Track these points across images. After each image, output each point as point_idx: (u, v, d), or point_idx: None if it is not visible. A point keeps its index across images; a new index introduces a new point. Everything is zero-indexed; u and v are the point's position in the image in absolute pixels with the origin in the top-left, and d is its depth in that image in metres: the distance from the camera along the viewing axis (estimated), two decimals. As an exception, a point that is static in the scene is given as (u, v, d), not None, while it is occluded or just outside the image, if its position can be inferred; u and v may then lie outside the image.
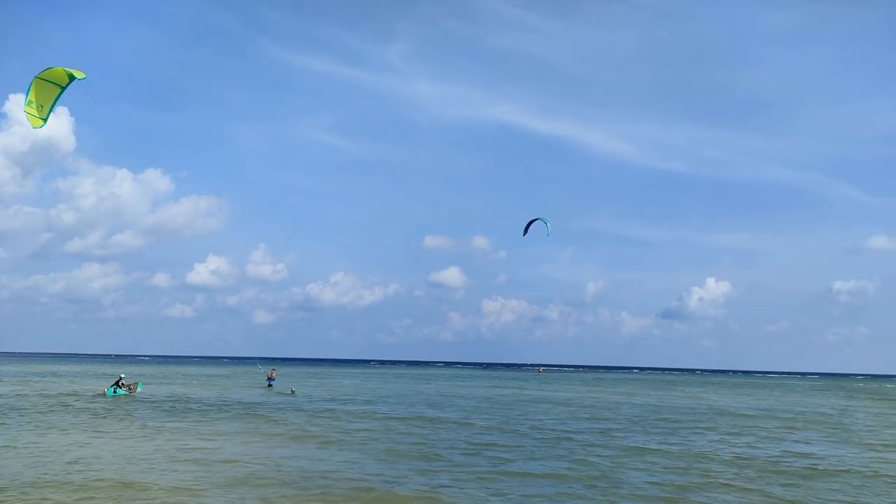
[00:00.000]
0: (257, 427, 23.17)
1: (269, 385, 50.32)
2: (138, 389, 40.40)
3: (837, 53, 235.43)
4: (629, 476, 15.49)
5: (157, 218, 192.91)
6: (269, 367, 57.16)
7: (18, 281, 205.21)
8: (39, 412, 26.40)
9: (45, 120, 15.83)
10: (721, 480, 15.21)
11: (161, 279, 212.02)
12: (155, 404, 31.53)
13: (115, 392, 37.52)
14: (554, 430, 24.78)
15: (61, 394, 37.14)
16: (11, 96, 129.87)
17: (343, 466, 15.84)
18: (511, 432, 23.58)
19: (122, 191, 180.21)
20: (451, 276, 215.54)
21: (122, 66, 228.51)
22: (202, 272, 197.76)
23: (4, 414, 25.28)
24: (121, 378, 40.12)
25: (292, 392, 43.51)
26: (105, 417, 25.17)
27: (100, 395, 37.52)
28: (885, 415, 38.65)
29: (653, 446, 20.62)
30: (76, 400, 33.21)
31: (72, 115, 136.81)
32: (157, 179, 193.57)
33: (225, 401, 34.88)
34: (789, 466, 17.49)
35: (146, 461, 15.76)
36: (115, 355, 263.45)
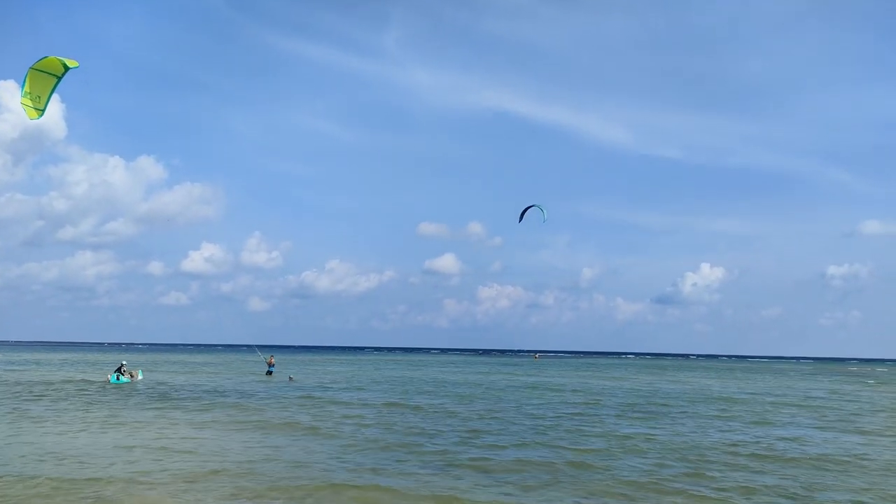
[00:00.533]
0: (246, 416, 23.02)
1: (269, 372, 50.29)
2: (139, 377, 40.41)
3: (832, 40, 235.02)
4: (617, 463, 15.40)
5: (151, 205, 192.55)
6: (268, 354, 57.08)
7: (11, 269, 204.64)
8: (25, 400, 26.18)
9: (42, 111, 15.73)
10: (709, 465, 15.14)
11: (155, 267, 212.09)
12: (145, 392, 31.36)
13: (118, 379, 37.61)
14: (544, 416, 24.71)
15: (49, 382, 36.92)
16: (0, 83, 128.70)
17: (326, 457, 15.71)
18: (501, 419, 23.50)
19: (115, 178, 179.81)
20: (446, 262, 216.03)
21: (113, 51, 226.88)
22: (196, 260, 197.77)
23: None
24: (122, 365, 40.12)
25: (290, 379, 43.56)
26: (89, 405, 24.90)
27: (102, 382, 37.58)
28: (875, 399, 38.78)
29: (642, 431, 20.54)
30: (62, 388, 32.98)
31: (62, 102, 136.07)
32: (150, 167, 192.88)
33: (217, 389, 34.75)
34: (775, 451, 17.42)
35: (113, 452, 15.51)
36: (109, 343, 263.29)
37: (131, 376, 39.14)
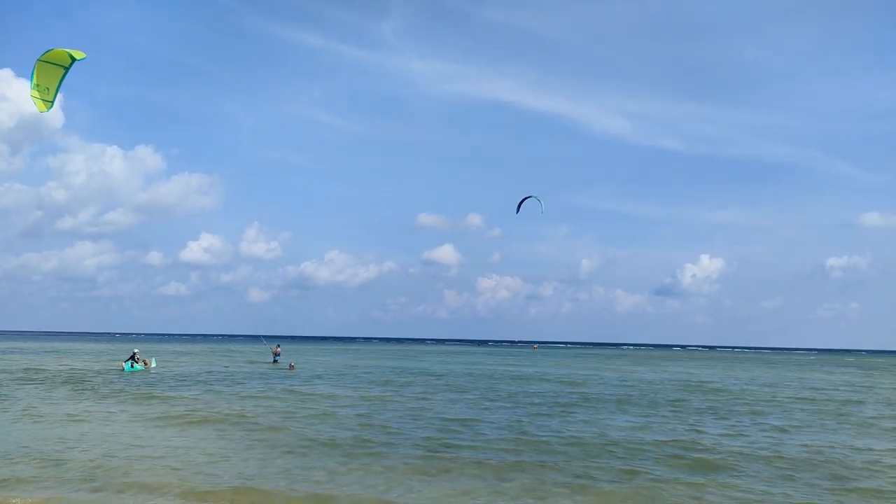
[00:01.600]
0: (227, 408, 22.89)
1: (275, 361, 50.54)
2: (153, 365, 40.68)
3: (832, 29, 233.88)
4: (605, 457, 15.29)
5: (150, 196, 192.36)
6: (274, 344, 57.59)
7: (10, 260, 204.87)
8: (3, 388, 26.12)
9: (51, 103, 15.78)
10: (697, 458, 15.03)
11: (154, 257, 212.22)
12: (146, 381, 31.30)
13: (131, 367, 37.85)
14: (534, 406, 24.60)
15: (36, 369, 36.88)
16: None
17: (306, 452, 15.56)
18: (489, 409, 23.39)
19: (113, 168, 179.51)
20: (446, 253, 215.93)
21: (111, 41, 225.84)
22: (196, 250, 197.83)
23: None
24: (135, 353, 40.34)
25: (291, 367, 43.78)
26: (80, 395, 24.85)
27: (117, 370, 37.94)
28: (873, 390, 38.69)
29: (635, 423, 20.43)
30: (46, 377, 32.92)
31: (60, 91, 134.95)
32: (148, 156, 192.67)
33: (223, 379, 34.65)
34: (766, 444, 17.29)
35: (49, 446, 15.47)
36: (107, 333, 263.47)
37: (145, 364, 39.55)
